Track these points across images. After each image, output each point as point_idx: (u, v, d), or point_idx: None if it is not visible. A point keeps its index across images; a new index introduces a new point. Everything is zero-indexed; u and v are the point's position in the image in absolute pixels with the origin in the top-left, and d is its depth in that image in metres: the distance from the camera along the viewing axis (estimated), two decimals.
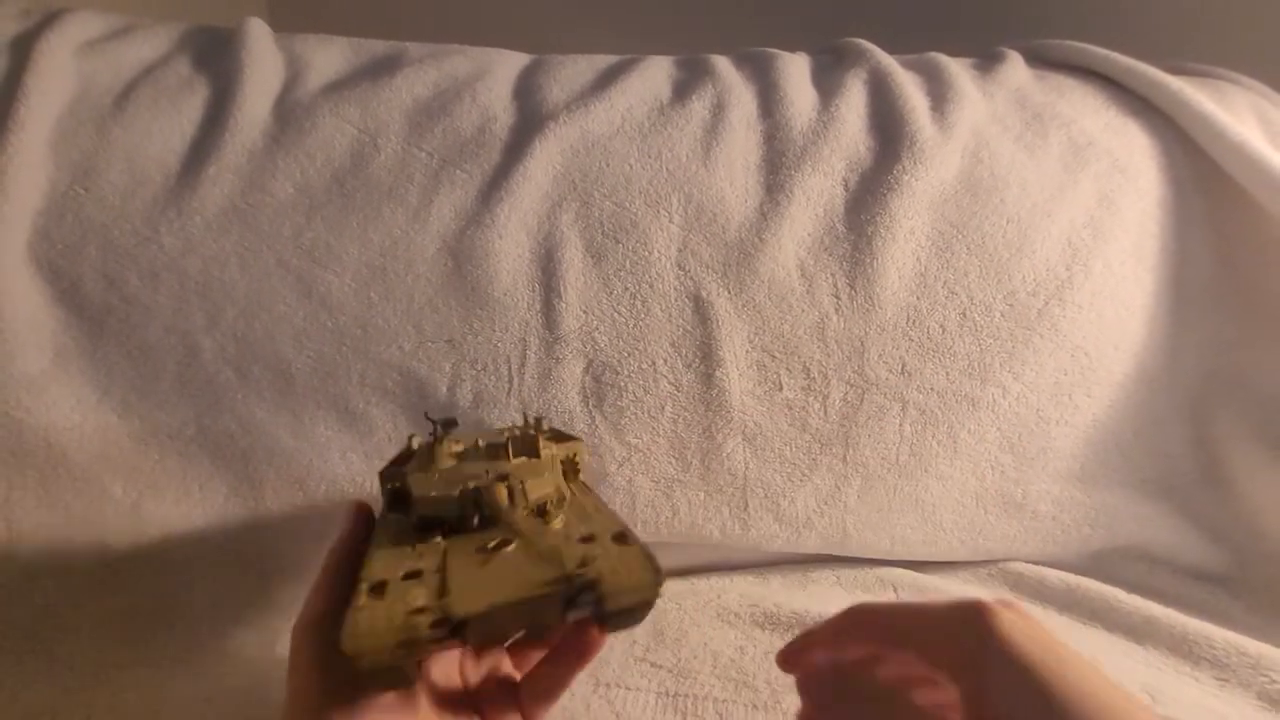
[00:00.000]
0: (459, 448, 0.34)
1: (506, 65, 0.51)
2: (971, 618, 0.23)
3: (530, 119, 0.47)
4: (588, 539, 0.26)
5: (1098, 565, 0.49)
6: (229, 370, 0.41)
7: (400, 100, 0.47)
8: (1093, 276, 0.48)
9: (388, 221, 0.43)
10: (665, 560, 0.49)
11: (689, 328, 0.45)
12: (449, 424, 0.34)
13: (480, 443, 0.34)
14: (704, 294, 0.45)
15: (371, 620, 0.23)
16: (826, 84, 0.52)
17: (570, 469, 0.34)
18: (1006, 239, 0.47)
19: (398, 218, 0.43)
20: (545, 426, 0.37)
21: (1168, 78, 0.53)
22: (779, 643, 0.40)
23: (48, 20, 0.45)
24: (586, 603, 0.24)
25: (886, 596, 0.46)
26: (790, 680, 0.38)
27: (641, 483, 0.45)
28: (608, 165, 0.46)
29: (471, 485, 0.28)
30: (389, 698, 0.25)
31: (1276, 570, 0.48)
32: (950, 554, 0.49)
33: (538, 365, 0.44)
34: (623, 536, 0.27)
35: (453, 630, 0.22)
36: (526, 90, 0.49)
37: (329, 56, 0.49)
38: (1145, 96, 0.53)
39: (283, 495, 0.42)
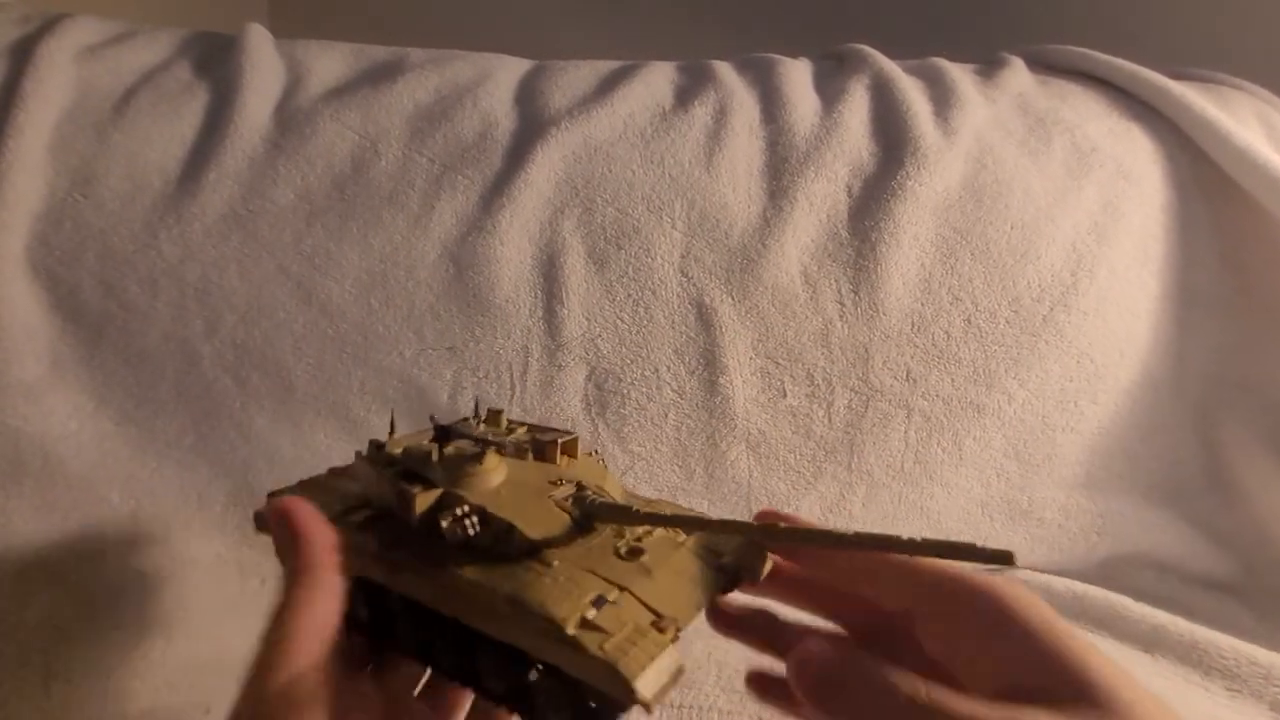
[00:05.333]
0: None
1: (508, 71, 0.51)
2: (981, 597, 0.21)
3: (532, 124, 0.47)
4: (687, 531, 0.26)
5: (1105, 573, 0.49)
6: (228, 378, 0.41)
7: (401, 106, 0.47)
8: (1097, 282, 0.47)
9: (388, 228, 0.43)
10: None
11: (692, 334, 0.44)
12: (463, 425, 0.29)
13: (508, 448, 0.28)
14: (707, 300, 0.45)
15: (646, 654, 0.20)
16: (829, 89, 0.52)
17: (599, 463, 0.30)
18: (1011, 245, 0.47)
19: (399, 224, 0.43)
20: (504, 421, 0.31)
21: (1171, 83, 0.53)
22: None
23: (48, 25, 0.45)
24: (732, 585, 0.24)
25: None
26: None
27: (645, 491, 0.44)
28: (610, 171, 0.46)
29: (566, 499, 0.25)
30: None
31: None
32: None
33: (540, 372, 0.43)
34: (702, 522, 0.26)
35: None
36: (528, 96, 0.49)
37: (329, 62, 0.49)
38: (1149, 102, 0.53)
39: None
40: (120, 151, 0.42)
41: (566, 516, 0.24)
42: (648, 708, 0.20)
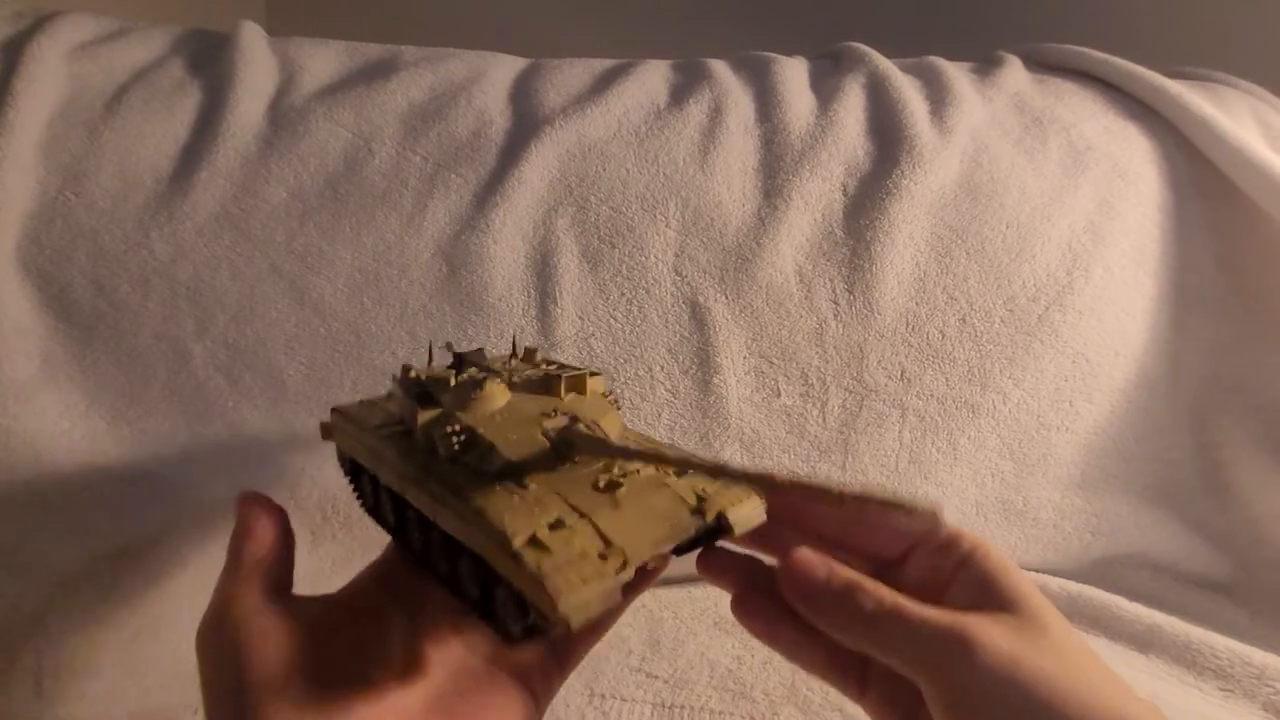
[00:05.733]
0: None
1: (502, 69, 0.51)
2: (955, 650, 0.23)
3: (526, 123, 0.47)
4: (679, 473, 0.26)
5: (1100, 573, 0.49)
6: (220, 377, 0.41)
7: (395, 104, 0.46)
8: (1093, 281, 0.47)
9: (381, 226, 0.43)
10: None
11: (686, 334, 0.44)
12: (477, 355, 0.31)
13: (513, 377, 0.30)
14: (701, 299, 0.44)
15: (580, 577, 0.20)
16: (824, 88, 0.52)
17: (613, 403, 0.31)
18: (1006, 244, 0.47)
19: (391, 222, 0.43)
20: (539, 355, 0.34)
21: (1167, 81, 0.53)
22: (776, 654, 0.40)
23: (39, 23, 0.45)
24: (710, 534, 0.24)
25: None
26: (787, 692, 0.37)
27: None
28: (604, 170, 0.46)
29: (553, 428, 0.25)
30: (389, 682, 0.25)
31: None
32: None
33: None
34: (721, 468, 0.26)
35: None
36: (522, 94, 0.49)
37: (323, 60, 0.49)
38: (1145, 100, 0.53)
39: None
40: (112, 150, 0.41)
41: (548, 444, 0.25)
42: (567, 627, 0.20)
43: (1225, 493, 0.50)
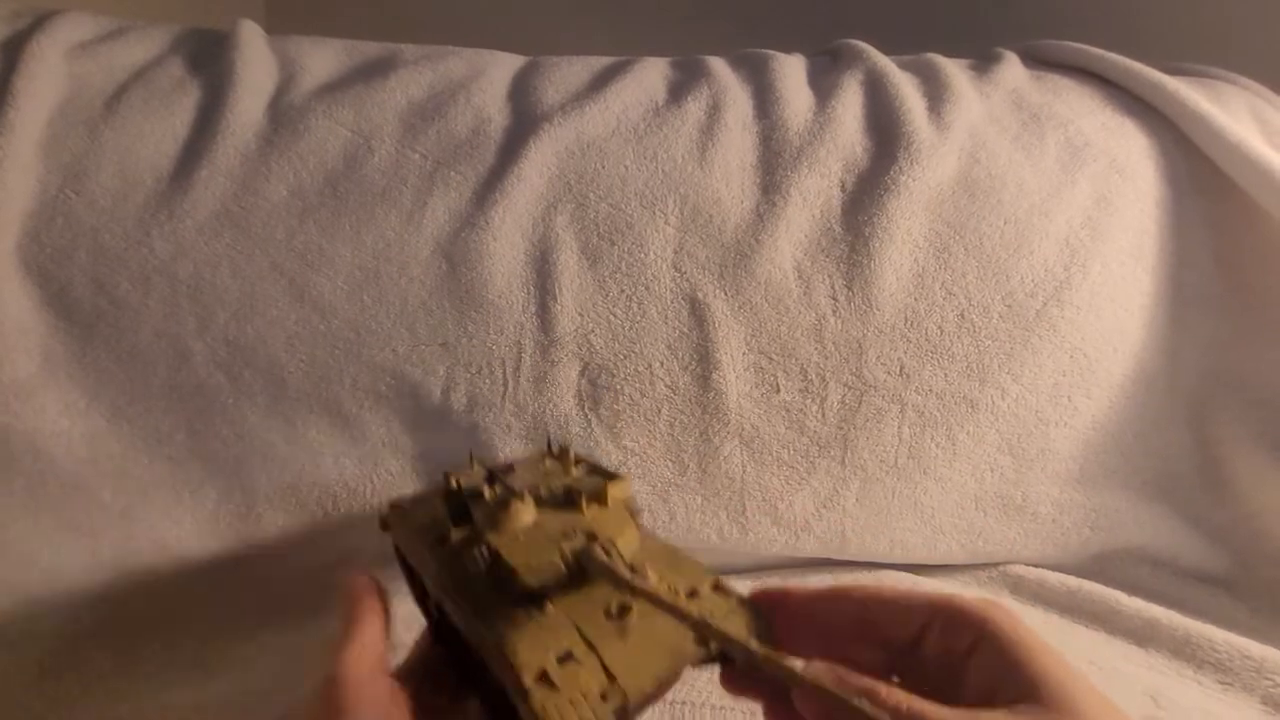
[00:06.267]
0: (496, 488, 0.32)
1: (501, 67, 0.51)
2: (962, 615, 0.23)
3: (525, 120, 0.47)
4: (693, 593, 0.27)
5: (1099, 568, 0.49)
6: (220, 375, 0.41)
7: (394, 102, 0.46)
8: (1091, 277, 0.47)
9: (381, 224, 0.43)
10: None
11: (685, 330, 0.44)
12: (506, 470, 0.33)
13: (541, 491, 0.31)
14: (700, 296, 0.45)
15: (579, 718, 0.22)
16: (823, 85, 0.52)
17: (632, 512, 0.32)
18: (1004, 240, 0.47)
19: (391, 220, 0.43)
20: (572, 455, 0.35)
21: (1165, 78, 0.53)
22: None
23: (39, 22, 0.45)
24: (715, 660, 0.25)
25: None
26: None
27: (638, 487, 0.44)
28: (603, 167, 0.46)
29: (570, 550, 0.26)
30: None
31: (1278, 572, 0.48)
32: (949, 557, 0.49)
33: (533, 368, 0.43)
34: (719, 585, 0.27)
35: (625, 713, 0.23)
36: (521, 92, 0.49)
37: (322, 58, 0.49)
38: (1142, 97, 0.53)
39: (275, 501, 0.42)
40: (112, 148, 0.42)
41: (564, 568, 0.26)
42: None
43: (1224, 488, 0.50)
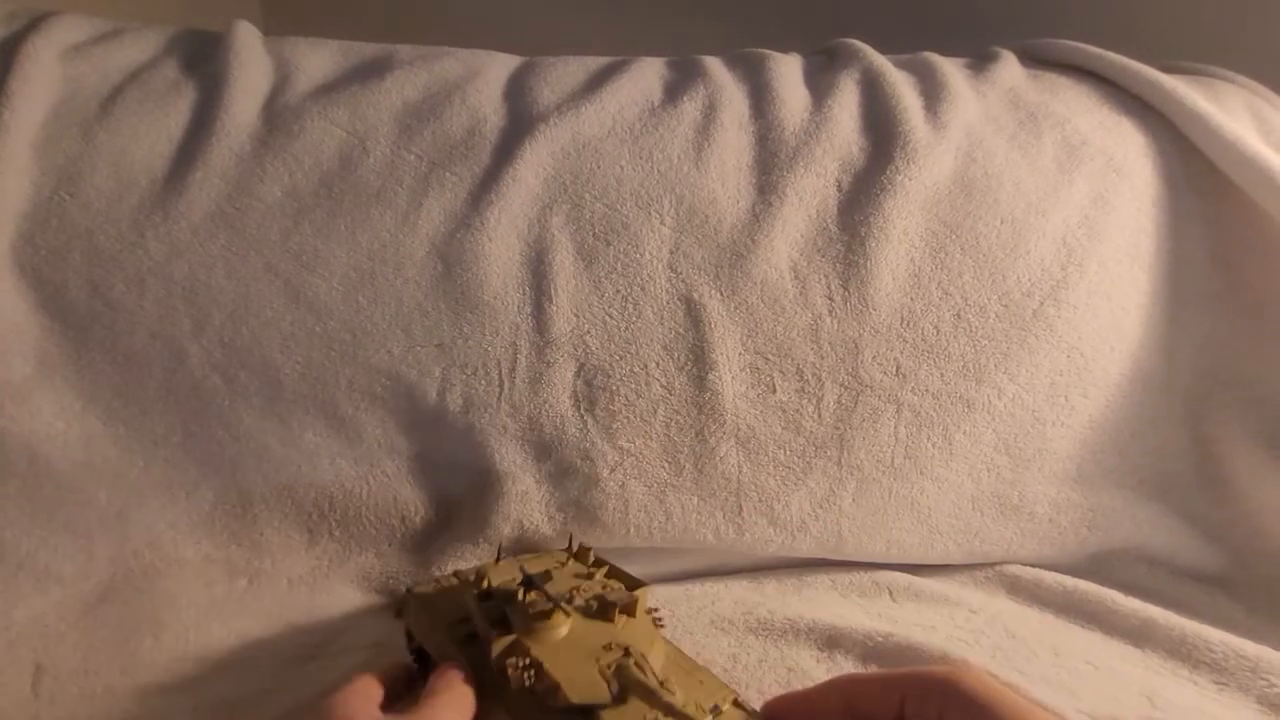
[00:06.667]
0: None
1: (497, 67, 0.51)
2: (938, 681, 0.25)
3: (520, 121, 0.47)
4: (715, 710, 0.27)
5: (1095, 567, 0.49)
6: (216, 376, 0.41)
7: (389, 103, 0.46)
8: (1087, 276, 0.47)
9: (376, 225, 0.43)
10: (659, 567, 0.48)
11: (681, 330, 0.44)
12: (544, 578, 0.33)
13: (574, 597, 0.32)
14: (696, 296, 0.45)
15: None
16: (819, 84, 0.52)
17: (655, 621, 0.33)
18: (1001, 239, 0.47)
19: (386, 221, 0.43)
20: (591, 557, 0.37)
21: (1162, 76, 0.53)
22: (773, 650, 0.40)
23: (34, 24, 0.45)
24: None
25: (882, 601, 0.46)
26: (783, 689, 0.37)
27: (634, 487, 0.44)
28: (598, 167, 0.46)
29: (608, 665, 0.28)
30: None
31: (1275, 571, 0.48)
32: (946, 557, 0.49)
33: (528, 369, 0.43)
34: (738, 703, 0.28)
35: None
36: (517, 92, 0.49)
37: (318, 59, 0.49)
38: (1139, 95, 0.53)
39: (271, 502, 0.42)
40: (107, 150, 0.42)
41: (606, 684, 0.27)
42: None
43: (1221, 487, 0.50)
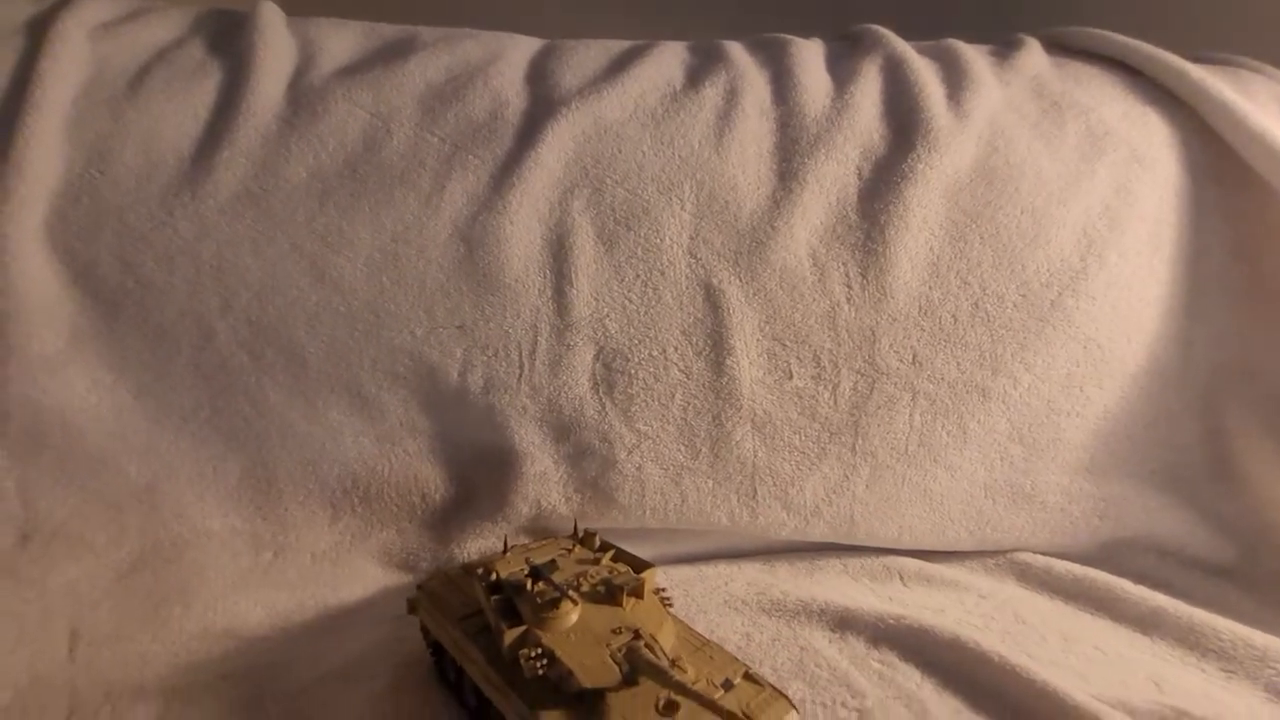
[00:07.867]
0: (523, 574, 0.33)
1: (519, 50, 0.51)
2: None
3: (542, 104, 0.47)
4: (727, 684, 0.28)
5: (1106, 556, 0.49)
6: (243, 353, 0.42)
7: (413, 85, 0.47)
8: (1107, 267, 0.47)
9: (400, 207, 0.43)
10: (674, 548, 0.49)
11: (700, 315, 0.45)
12: (550, 569, 0.34)
13: (581, 584, 0.33)
14: (715, 281, 0.45)
15: None
16: (841, 71, 0.52)
17: (663, 600, 0.34)
18: (1021, 229, 0.47)
19: (410, 203, 0.44)
20: (597, 541, 0.37)
21: (1189, 66, 0.52)
22: (785, 630, 0.40)
23: (63, 3, 0.46)
24: None
25: (893, 585, 0.46)
26: (795, 667, 0.38)
27: (651, 470, 0.45)
28: (620, 151, 0.46)
29: (618, 648, 0.28)
30: None
31: None
32: (957, 544, 0.49)
33: (548, 351, 0.44)
34: (750, 675, 0.29)
35: None
36: (539, 75, 0.49)
37: (341, 41, 0.49)
38: (1165, 85, 0.52)
39: (295, 478, 0.43)
40: (135, 129, 0.42)
41: (617, 667, 0.28)
42: None
43: (1233, 479, 0.50)
